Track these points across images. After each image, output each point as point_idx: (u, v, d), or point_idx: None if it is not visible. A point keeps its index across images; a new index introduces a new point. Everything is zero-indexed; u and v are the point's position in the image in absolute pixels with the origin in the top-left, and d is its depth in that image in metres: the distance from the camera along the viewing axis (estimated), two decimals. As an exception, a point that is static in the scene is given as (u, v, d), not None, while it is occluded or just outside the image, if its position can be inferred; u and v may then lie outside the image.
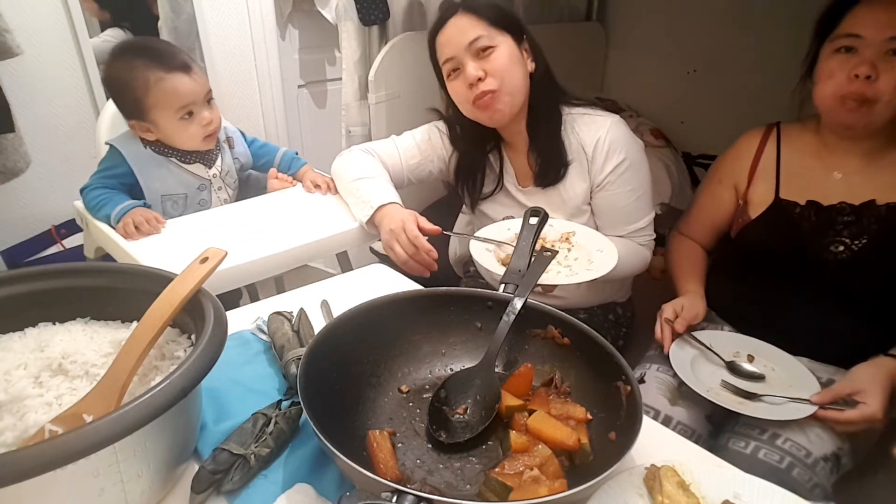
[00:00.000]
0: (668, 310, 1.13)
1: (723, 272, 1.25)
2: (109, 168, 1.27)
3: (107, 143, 1.29)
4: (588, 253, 1.03)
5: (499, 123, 1.20)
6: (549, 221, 1.15)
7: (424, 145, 1.31)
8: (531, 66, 1.18)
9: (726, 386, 1.00)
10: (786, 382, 1.01)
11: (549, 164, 1.21)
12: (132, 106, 1.23)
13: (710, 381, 1.02)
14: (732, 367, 1.04)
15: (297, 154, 1.52)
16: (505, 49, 1.13)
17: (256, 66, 2.24)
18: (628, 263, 1.21)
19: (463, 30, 1.12)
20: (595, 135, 1.18)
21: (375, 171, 1.26)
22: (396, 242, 1.10)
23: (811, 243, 1.08)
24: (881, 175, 1.06)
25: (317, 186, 1.39)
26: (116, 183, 1.26)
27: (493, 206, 1.32)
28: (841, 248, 1.06)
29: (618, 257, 1.00)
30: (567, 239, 1.08)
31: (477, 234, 1.10)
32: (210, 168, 1.36)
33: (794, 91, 1.12)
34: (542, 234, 1.10)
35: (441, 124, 1.32)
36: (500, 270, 0.97)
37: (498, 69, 1.12)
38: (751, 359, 1.07)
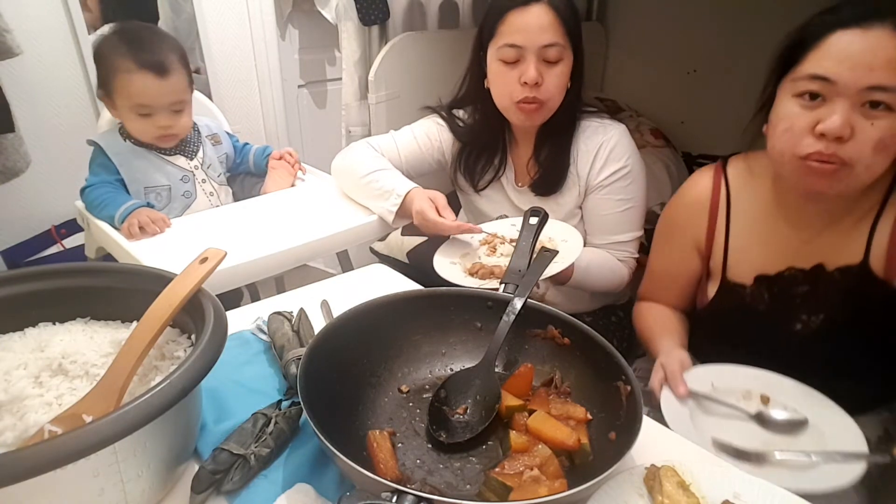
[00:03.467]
0: (654, 382, 0.89)
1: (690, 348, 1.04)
2: (98, 165, 1.28)
3: (88, 142, 1.30)
4: (554, 245, 1.03)
5: (524, 127, 1.20)
6: (511, 220, 1.16)
7: (423, 139, 1.31)
8: (568, 83, 1.15)
9: (723, 447, 0.75)
10: (819, 431, 0.79)
11: (549, 176, 1.21)
12: (103, 81, 1.25)
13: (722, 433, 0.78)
14: (762, 419, 0.81)
15: (269, 146, 1.55)
16: (566, 67, 1.11)
17: (256, 66, 2.24)
18: (601, 274, 1.18)
19: (543, 27, 1.07)
20: (600, 139, 1.18)
21: (384, 162, 1.26)
22: (426, 228, 1.13)
23: (768, 325, 0.94)
24: (834, 237, 0.89)
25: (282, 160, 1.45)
26: (113, 179, 1.26)
27: (486, 202, 1.32)
28: (799, 325, 0.93)
29: (581, 247, 1.00)
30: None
31: (441, 250, 1.10)
32: (191, 160, 1.36)
33: (745, 130, 0.93)
34: (503, 235, 1.11)
35: (439, 118, 1.31)
36: (468, 282, 0.97)
37: (554, 85, 1.11)
38: (765, 400, 0.85)
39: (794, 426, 0.79)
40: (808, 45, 0.79)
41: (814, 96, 0.78)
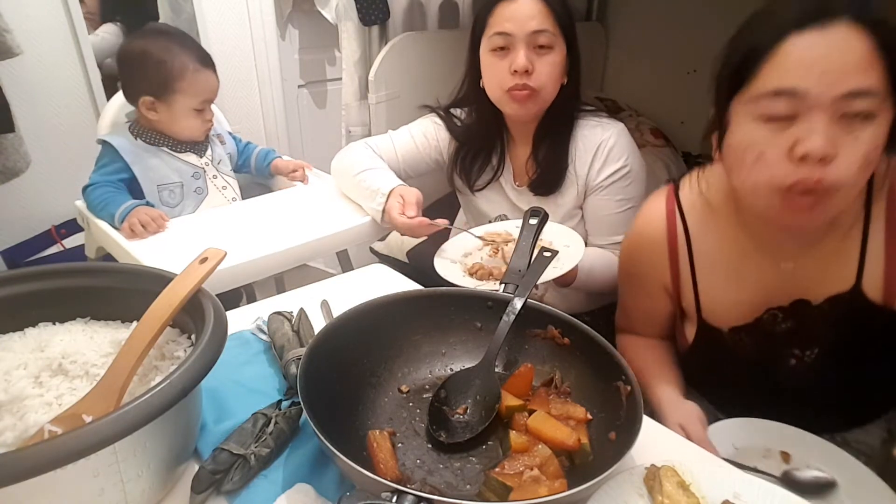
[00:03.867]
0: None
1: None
2: (107, 164, 1.28)
3: (98, 141, 1.31)
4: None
5: (518, 119, 1.19)
6: (515, 222, 1.15)
7: (420, 138, 1.31)
8: (564, 79, 1.15)
9: None
10: (850, 493, 0.73)
11: (547, 176, 1.21)
12: (158, 83, 1.26)
13: None
14: (789, 480, 0.75)
15: (272, 150, 1.57)
16: (558, 56, 1.11)
17: (256, 66, 2.24)
18: (604, 275, 1.17)
19: (532, 14, 1.08)
20: (598, 139, 1.18)
21: (377, 162, 1.26)
22: (400, 227, 1.13)
23: (758, 366, 0.86)
24: (817, 263, 0.80)
25: (293, 173, 1.48)
26: (116, 180, 1.27)
27: (485, 202, 1.32)
28: (793, 361, 0.85)
29: (583, 252, 0.99)
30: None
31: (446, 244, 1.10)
32: (202, 157, 1.38)
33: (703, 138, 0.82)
34: (507, 234, 1.11)
35: (437, 118, 1.31)
36: (466, 282, 0.97)
37: (546, 74, 1.11)
38: (786, 457, 0.79)
39: (823, 487, 0.74)
40: (761, 56, 0.67)
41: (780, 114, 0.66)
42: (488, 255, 1.07)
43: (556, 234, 1.07)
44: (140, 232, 1.14)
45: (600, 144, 1.17)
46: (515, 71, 1.09)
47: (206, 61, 1.30)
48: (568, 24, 1.12)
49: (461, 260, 1.07)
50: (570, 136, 1.20)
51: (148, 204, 1.24)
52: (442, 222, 1.10)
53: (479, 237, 1.11)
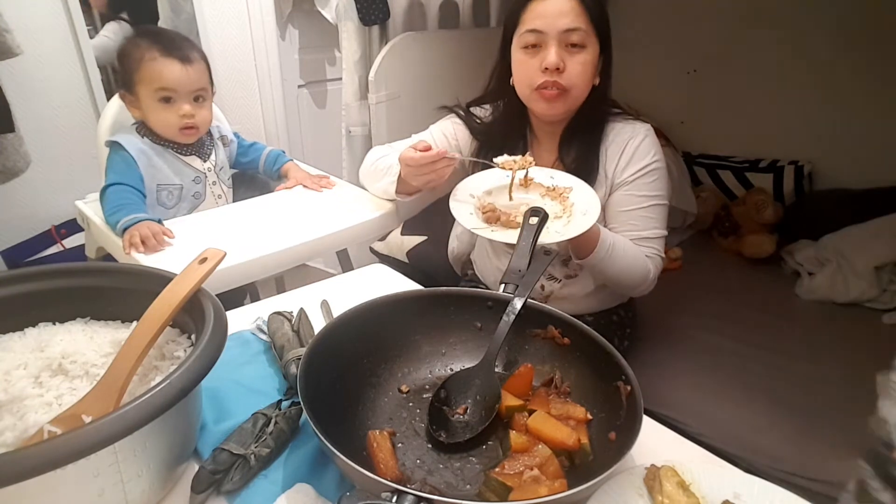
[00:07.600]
0: None
1: None
2: (119, 164, 1.26)
3: (107, 143, 1.30)
4: (566, 204, 1.01)
5: (547, 118, 1.17)
6: (551, 173, 1.11)
7: (439, 136, 1.29)
8: (596, 80, 1.14)
9: None
10: None
11: (577, 175, 1.15)
12: (125, 77, 1.27)
13: None
14: None
15: (282, 152, 1.54)
16: (591, 55, 1.10)
17: (256, 66, 2.24)
18: (626, 259, 1.12)
19: (565, 11, 1.07)
20: (626, 138, 1.15)
21: (391, 152, 1.24)
22: (414, 177, 1.08)
23: None
24: None
25: (312, 185, 1.43)
26: (138, 179, 1.26)
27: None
28: None
29: (597, 216, 0.95)
30: (562, 195, 1.04)
31: (465, 182, 1.06)
32: (205, 161, 1.37)
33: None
34: (538, 180, 1.07)
35: (456, 117, 1.29)
36: (471, 221, 0.94)
37: (577, 73, 1.09)
38: None
39: None
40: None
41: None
42: (549, 200, 1.02)
43: (578, 198, 1.02)
44: (137, 244, 1.10)
45: (628, 142, 1.15)
46: (546, 68, 1.08)
47: (172, 53, 1.24)
48: (602, 23, 1.10)
49: (481, 196, 1.03)
50: (601, 139, 1.17)
51: (159, 221, 1.20)
52: (451, 155, 1.06)
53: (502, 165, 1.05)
